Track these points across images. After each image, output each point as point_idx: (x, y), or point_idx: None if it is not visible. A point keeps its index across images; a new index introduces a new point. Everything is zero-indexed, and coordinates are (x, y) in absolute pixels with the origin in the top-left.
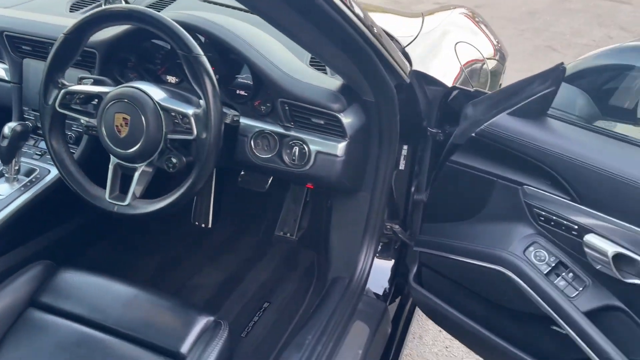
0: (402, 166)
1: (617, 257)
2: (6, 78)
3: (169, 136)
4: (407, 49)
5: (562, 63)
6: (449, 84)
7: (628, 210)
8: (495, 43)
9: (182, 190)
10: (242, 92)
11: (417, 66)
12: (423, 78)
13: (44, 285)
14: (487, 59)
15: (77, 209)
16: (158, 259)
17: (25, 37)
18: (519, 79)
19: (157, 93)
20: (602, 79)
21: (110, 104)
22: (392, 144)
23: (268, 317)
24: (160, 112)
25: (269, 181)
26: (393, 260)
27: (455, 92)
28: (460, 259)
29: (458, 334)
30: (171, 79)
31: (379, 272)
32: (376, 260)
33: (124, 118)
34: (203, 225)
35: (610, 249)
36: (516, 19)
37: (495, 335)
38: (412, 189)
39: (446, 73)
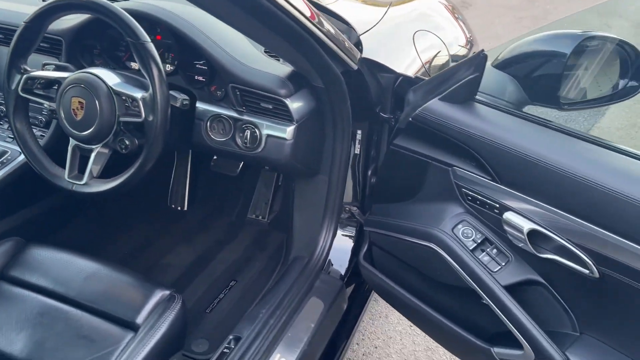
0: (357, 150)
1: (532, 233)
2: None
3: (121, 119)
4: (365, 37)
5: (482, 50)
6: (406, 71)
7: (541, 190)
8: (468, 35)
9: (132, 170)
10: (200, 78)
11: (372, 54)
12: (373, 65)
13: (14, 260)
14: (460, 46)
15: (51, 189)
16: (132, 239)
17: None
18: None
19: (111, 78)
20: (531, 66)
21: (67, 88)
22: (346, 128)
23: (233, 294)
24: (113, 96)
25: (240, 165)
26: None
27: (400, 79)
28: (401, 236)
29: (403, 309)
30: (134, 65)
31: (341, 252)
32: (339, 241)
33: (79, 102)
34: (179, 208)
35: (526, 225)
36: (515, 7)
37: (433, 310)
38: (369, 172)
39: (402, 61)
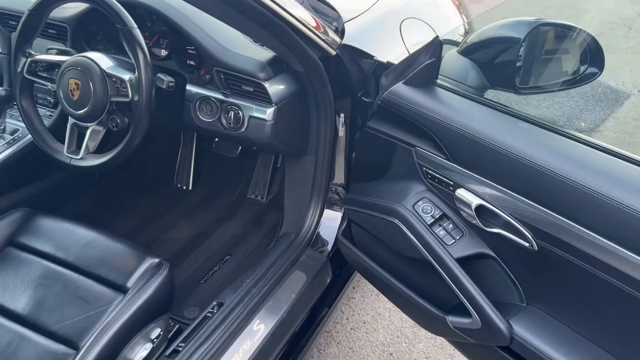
0: (341, 133)
1: (479, 208)
2: None
3: (113, 99)
4: (355, 24)
5: (437, 37)
6: (393, 59)
7: (488, 168)
8: (467, 28)
9: (121, 146)
10: (191, 62)
11: (358, 41)
12: (354, 51)
13: (22, 228)
14: (459, 35)
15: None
16: (138, 215)
17: (11, 13)
18: None
19: (104, 62)
20: (492, 52)
21: (66, 70)
22: (328, 111)
23: (227, 267)
24: (106, 78)
25: (239, 148)
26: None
27: (375, 65)
28: (371, 213)
29: (374, 282)
30: None
31: (330, 230)
32: (329, 220)
33: (76, 83)
34: (184, 188)
35: (474, 201)
36: None
37: (399, 282)
38: (354, 154)
39: (390, 48)
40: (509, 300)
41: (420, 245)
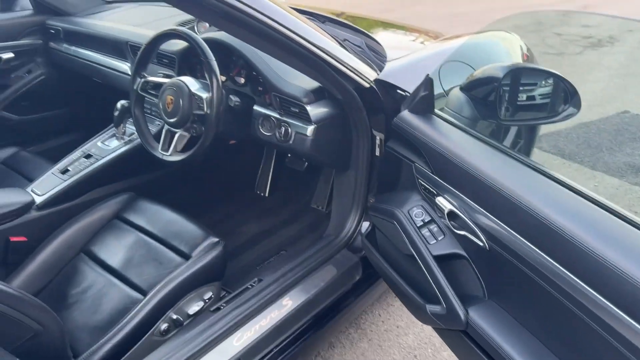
0: (377, 152)
1: (451, 213)
2: (129, 72)
3: (194, 112)
4: (397, 62)
5: (428, 75)
6: None
7: (456, 181)
8: None
9: (195, 147)
10: (261, 89)
11: (395, 77)
12: (387, 85)
13: (126, 207)
14: None
15: (162, 163)
16: (221, 210)
17: (139, 46)
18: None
19: (192, 84)
20: (484, 89)
21: (165, 89)
22: (364, 133)
23: (280, 259)
24: (192, 96)
25: (306, 164)
26: None
27: (400, 96)
28: (382, 217)
29: (385, 278)
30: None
31: None
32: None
33: (170, 98)
34: (262, 194)
35: (447, 207)
36: None
37: (398, 275)
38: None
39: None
40: (475, 294)
41: (409, 243)
